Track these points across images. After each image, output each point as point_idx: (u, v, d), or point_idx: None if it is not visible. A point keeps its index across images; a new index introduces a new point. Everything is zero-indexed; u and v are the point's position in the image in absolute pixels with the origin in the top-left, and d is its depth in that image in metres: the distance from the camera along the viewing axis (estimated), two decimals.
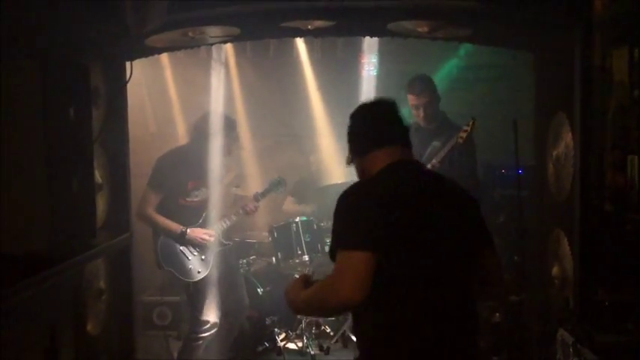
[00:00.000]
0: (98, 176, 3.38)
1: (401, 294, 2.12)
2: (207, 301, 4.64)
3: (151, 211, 4.51)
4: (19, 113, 2.46)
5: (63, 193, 2.64)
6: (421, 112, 4.58)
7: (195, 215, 4.62)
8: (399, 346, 2.12)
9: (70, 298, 3.12)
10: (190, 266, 4.56)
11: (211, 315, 4.65)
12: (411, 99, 4.61)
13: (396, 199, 2.16)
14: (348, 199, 2.21)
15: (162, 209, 4.51)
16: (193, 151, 4.57)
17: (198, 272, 4.58)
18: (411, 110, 4.67)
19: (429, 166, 4.41)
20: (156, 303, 5.61)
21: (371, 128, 2.39)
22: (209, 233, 4.61)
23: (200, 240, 4.58)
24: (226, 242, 4.88)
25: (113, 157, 3.69)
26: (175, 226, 4.53)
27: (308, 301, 2.24)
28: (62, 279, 2.75)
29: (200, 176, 4.59)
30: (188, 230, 4.54)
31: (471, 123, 4.27)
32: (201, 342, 4.65)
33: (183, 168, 4.52)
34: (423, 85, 4.62)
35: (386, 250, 2.09)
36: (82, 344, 3.21)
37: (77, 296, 3.19)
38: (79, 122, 2.80)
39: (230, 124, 4.73)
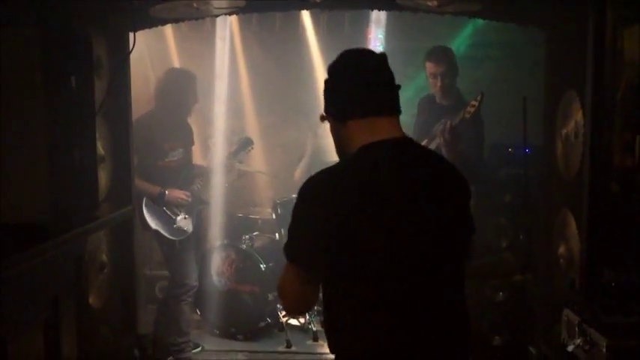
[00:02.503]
0: (100, 148, 3.35)
1: (368, 298, 1.88)
2: (189, 263, 4.72)
3: None
4: (20, 82, 2.42)
5: (64, 163, 2.61)
6: (439, 82, 4.50)
7: (174, 176, 4.67)
8: (366, 352, 1.89)
9: (71, 270, 3.10)
10: (175, 225, 4.62)
11: (192, 277, 4.70)
12: (430, 67, 4.53)
13: (365, 199, 1.85)
14: (306, 195, 1.91)
15: (142, 173, 4.51)
16: (161, 112, 4.61)
17: (185, 230, 4.65)
18: (427, 80, 4.61)
19: (434, 143, 4.35)
20: (158, 277, 5.61)
21: (354, 90, 1.97)
22: (186, 194, 4.68)
23: (179, 200, 4.63)
24: (206, 201, 5.01)
25: (116, 129, 3.66)
26: (153, 188, 4.58)
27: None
28: (64, 250, 2.72)
29: (176, 137, 4.66)
30: (166, 191, 4.59)
31: (479, 97, 4.15)
32: (183, 304, 4.67)
33: (158, 129, 4.56)
34: (443, 53, 4.55)
35: (336, 264, 1.85)
36: (83, 317, 3.20)
37: (79, 268, 3.17)
38: (80, 92, 2.76)
39: (190, 78, 4.71)
